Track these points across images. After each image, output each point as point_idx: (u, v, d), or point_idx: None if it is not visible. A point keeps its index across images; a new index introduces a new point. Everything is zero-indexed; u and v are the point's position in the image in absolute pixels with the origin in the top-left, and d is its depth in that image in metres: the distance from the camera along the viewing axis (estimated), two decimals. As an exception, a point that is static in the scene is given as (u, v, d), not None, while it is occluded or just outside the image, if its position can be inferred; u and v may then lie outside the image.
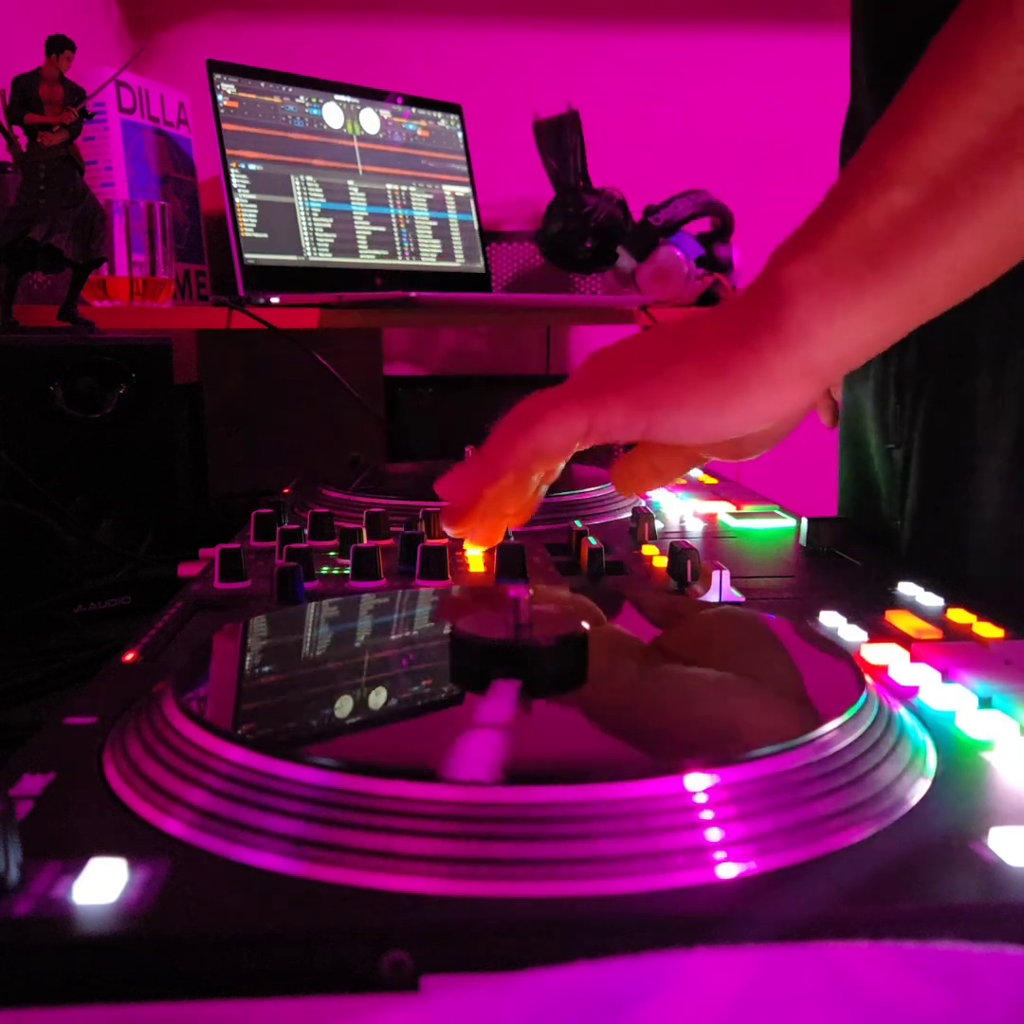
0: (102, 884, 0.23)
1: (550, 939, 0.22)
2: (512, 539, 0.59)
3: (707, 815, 0.25)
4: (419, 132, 1.45)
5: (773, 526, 0.65)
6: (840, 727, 0.28)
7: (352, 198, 1.36)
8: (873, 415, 0.66)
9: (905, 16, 0.59)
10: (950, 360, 0.58)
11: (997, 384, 0.56)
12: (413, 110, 1.45)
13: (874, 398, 0.66)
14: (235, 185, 1.24)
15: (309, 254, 1.30)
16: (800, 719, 0.29)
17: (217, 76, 1.25)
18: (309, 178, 1.32)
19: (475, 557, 0.56)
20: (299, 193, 1.30)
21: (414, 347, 1.80)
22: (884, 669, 0.37)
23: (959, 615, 0.44)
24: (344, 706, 0.32)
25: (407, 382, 1.70)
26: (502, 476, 0.42)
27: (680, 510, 0.70)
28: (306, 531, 0.59)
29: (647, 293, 1.40)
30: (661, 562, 0.55)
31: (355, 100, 1.39)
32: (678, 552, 0.51)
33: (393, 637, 0.41)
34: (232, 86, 1.26)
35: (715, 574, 0.47)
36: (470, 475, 0.43)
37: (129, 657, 0.40)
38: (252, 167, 1.26)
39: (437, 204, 1.45)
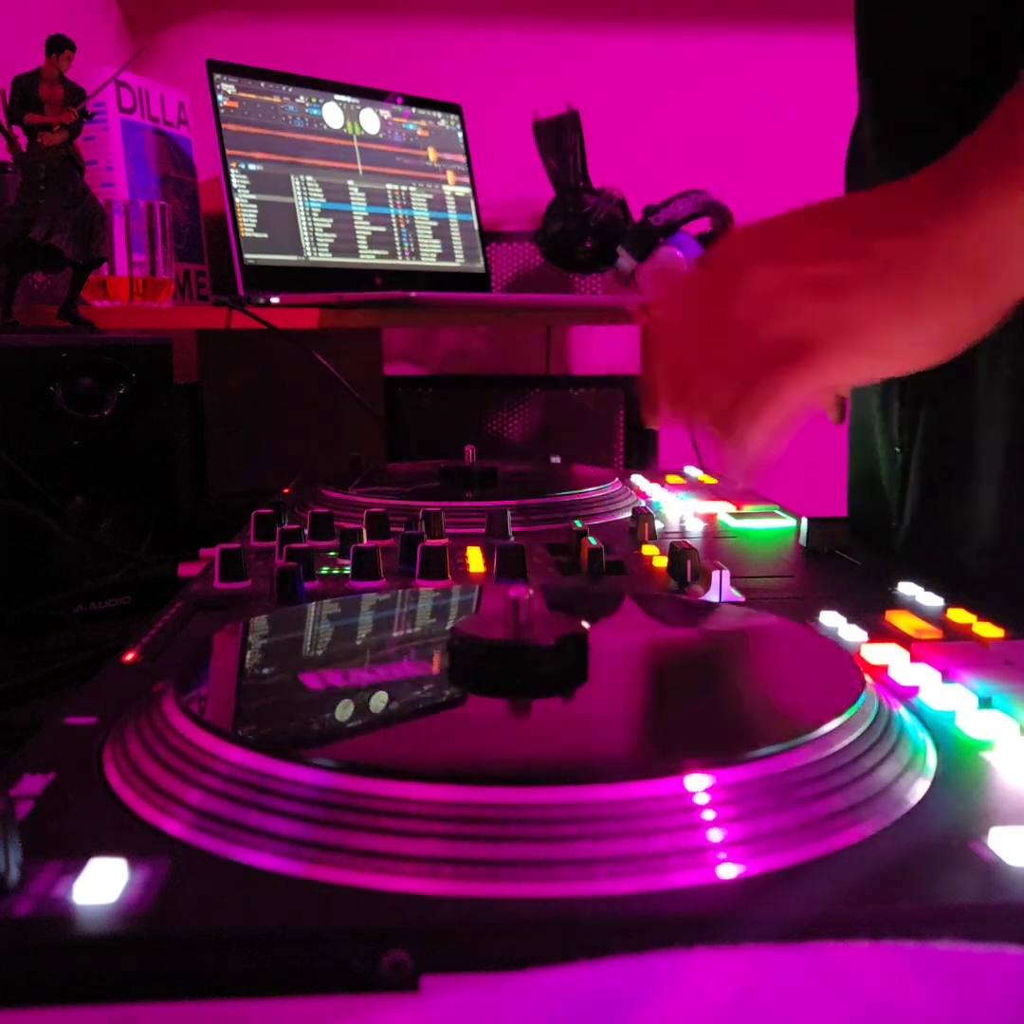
0: (102, 884, 0.23)
1: (550, 939, 0.22)
2: (512, 539, 0.59)
3: (707, 815, 0.25)
4: (419, 132, 1.45)
5: (773, 526, 0.65)
6: (840, 727, 0.28)
7: (352, 198, 1.36)
8: (878, 417, 0.66)
9: (904, 15, 0.59)
10: (947, 367, 0.59)
11: (991, 390, 0.56)
12: (413, 110, 1.45)
13: (880, 401, 0.66)
14: (235, 185, 1.24)
15: (309, 254, 1.30)
16: (800, 719, 0.29)
17: (217, 76, 1.25)
18: (309, 178, 1.32)
19: (475, 558, 0.56)
20: (299, 193, 1.30)
21: (414, 347, 1.80)
22: (884, 669, 0.37)
23: (959, 615, 0.44)
24: (344, 707, 0.32)
25: (407, 382, 1.70)
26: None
27: (680, 510, 0.70)
28: (306, 531, 0.59)
29: (647, 293, 1.40)
30: (661, 562, 0.55)
31: (355, 100, 1.39)
32: (678, 552, 0.51)
33: (393, 637, 0.41)
34: (232, 86, 1.26)
35: (715, 574, 0.47)
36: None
37: (129, 657, 0.40)
38: (252, 167, 1.26)
39: (437, 204, 1.45)
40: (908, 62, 0.60)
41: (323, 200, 1.33)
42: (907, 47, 0.59)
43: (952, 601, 0.46)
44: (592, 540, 0.54)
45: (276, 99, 1.31)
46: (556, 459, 0.90)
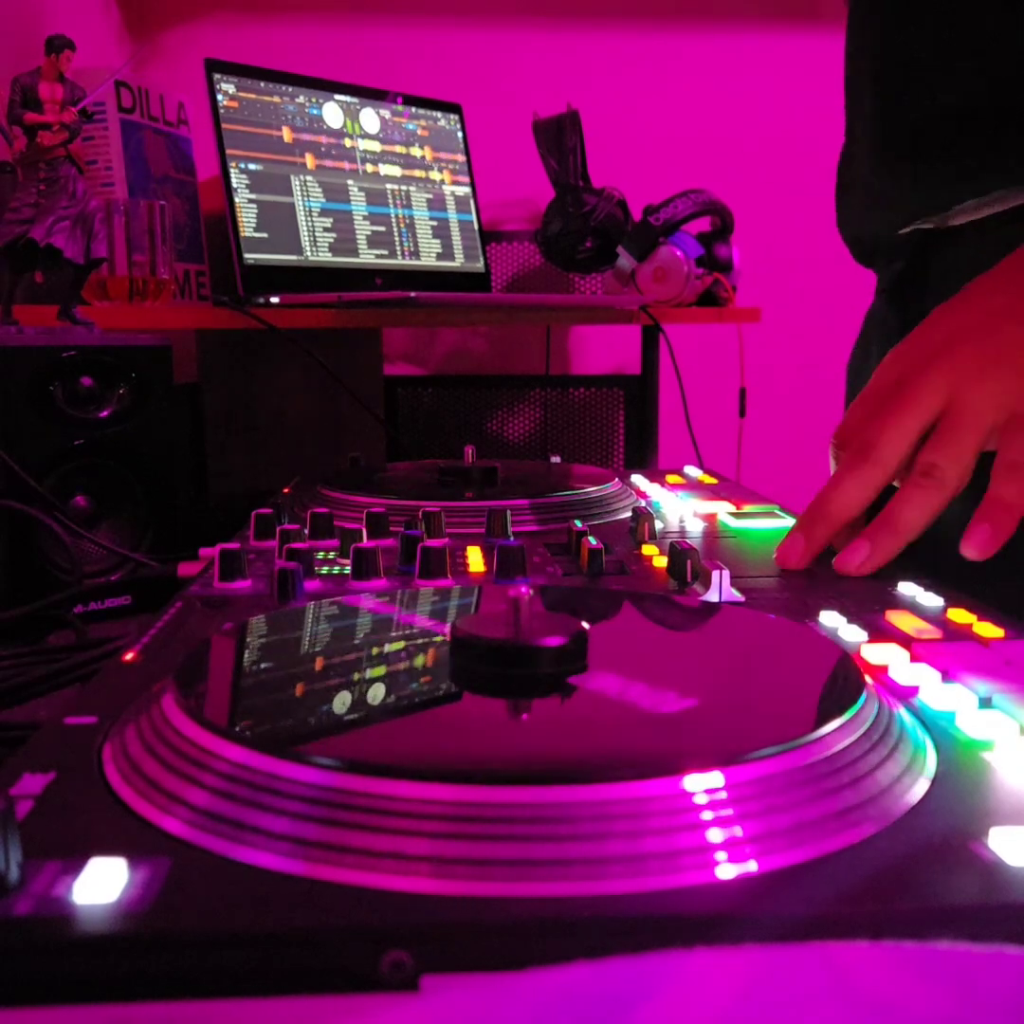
0: (102, 884, 0.23)
1: (550, 939, 0.22)
2: (512, 539, 0.59)
3: (707, 815, 0.25)
4: (419, 132, 1.46)
5: (773, 526, 0.65)
6: (840, 727, 0.28)
7: (352, 198, 1.36)
8: None
9: (931, 35, 0.60)
10: None
11: None
12: (413, 110, 1.45)
13: None
14: (235, 185, 1.24)
15: (309, 254, 1.30)
16: (800, 719, 0.29)
17: (216, 76, 1.25)
18: (309, 178, 1.32)
19: (475, 558, 0.56)
20: (299, 193, 1.30)
21: (414, 347, 1.80)
22: (884, 669, 0.37)
23: (959, 615, 0.44)
24: (344, 705, 0.32)
25: (407, 382, 1.70)
26: None
27: (680, 510, 0.70)
28: (306, 531, 0.59)
29: (647, 293, 1.40)
30: (661, 562, 0.55)
31: (355, 100, 1.39)
32: (678, 552, 0.51)
33: (393, 636, 0.41)
34: (232, 86, 1.26)
35: (715, 574, 0.47)
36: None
37: (129, 657, 0.40)
38: (252, 167, 1.26)
39: (437, 204, 1.45)
40: (930, 93, 0.60)
41: (323, 200, 1.33)
42: (933, 74, 0.60)
43: (952, 601, 0.46)
44: (592, 540, 0.54)
45: (276, 99, 1.31)
46: (556, 459, 0.90)
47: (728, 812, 0.25)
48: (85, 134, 0.83)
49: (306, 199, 1.31)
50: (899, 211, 0.65)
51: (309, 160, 1.32)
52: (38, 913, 0.22)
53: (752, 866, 0.24)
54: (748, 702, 0.32)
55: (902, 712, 0.32)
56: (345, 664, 0.37)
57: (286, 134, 1.31)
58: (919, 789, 0.28)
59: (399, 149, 1.43)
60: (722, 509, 0.70)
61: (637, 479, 0.83)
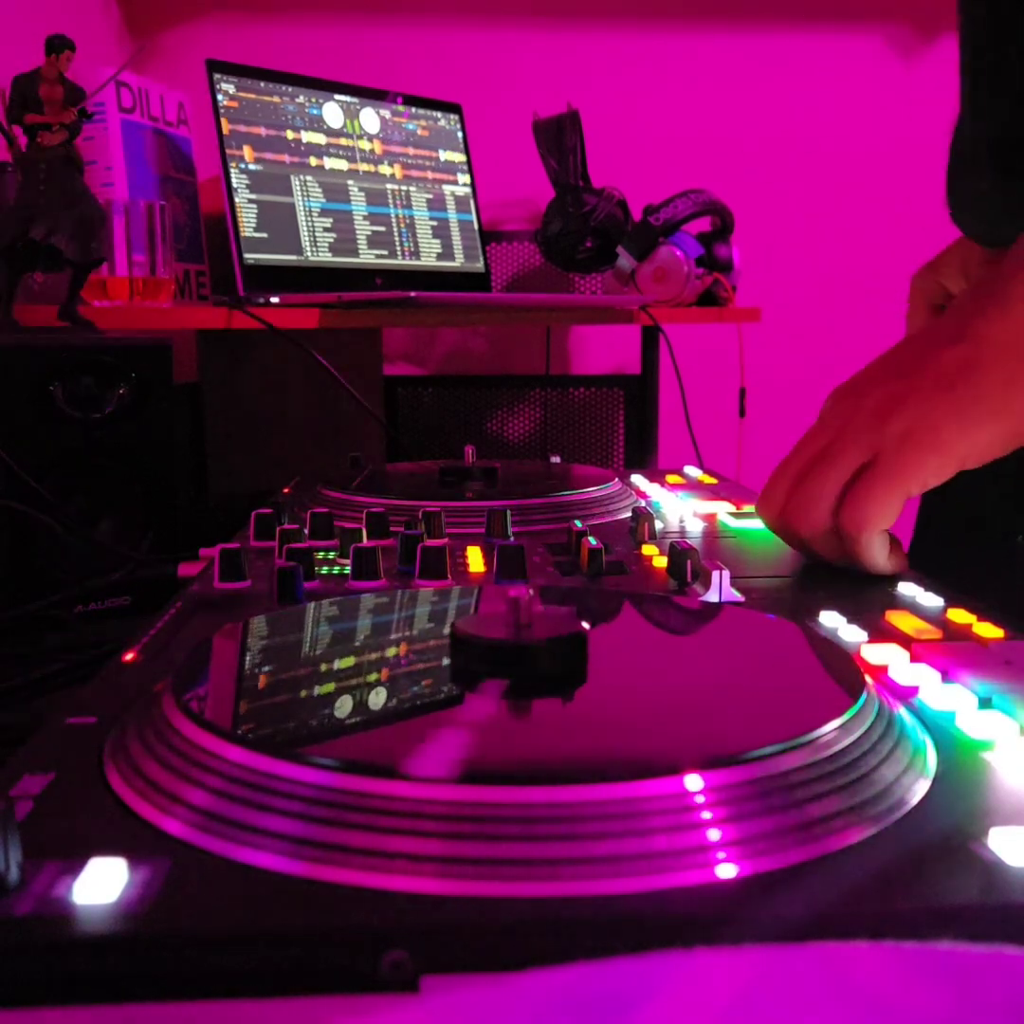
0: (102, 884, 0.23)
1: (550, 939, 0.22)
2: (512, 539, 0.59)
3: (706, 815, 0.25)
4: (419, 132, 1.46)
5: (773, 526, 0.65)
6: (840, 727, 0.28)
7: (352, 198, 1.36)
8: None
9: None
10: None
11: None
12: (413, 110, 1.45)
13: None
14: (235, 185, 1.24)
15: (309, 254, 1.30)
16: (800, 719, 0.29)
17: (217, 76, 1.25)
18: (309, 178, 1.32)
19: (475, 558, 0.56)
20: (299, 193, 1.30)
21: (414, 347, 1.80)
22: (884, 669, 0.37)
23: (959, 615, 0.44)
24: (344, 706, 0.32)
25: (407, 382, 1.70)
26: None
27: (680, 510, 0.70)
28: (306, 531, 0.59)
29: (647, 293, 1.40)
30: (661, 562, 0.55)
31: (355, 100, 1.39)
32: (678, 552, 0.51)
33: (393, 637, 0.41)
34: (232, 86, 1.26)
35: (715, 574, 0.47)
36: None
37: (129, 657, 0.40)
38: (252, 167, 1.26)
39: (437, 204, 1.45)
40: None
41: (323, 200, 1.33)
42: None
43: (952, 601, 0.46)
44: (592, 540, 0.54)
45: (276, 99, 1.31)
46: (556, 459, 0.90)
47: (728, 812, 0.25)
48: (85, 134, 0.83)
49: (306, 199, 1.31)
50: (981, 218, 0.64)
51: (309, 160, 1.32)
52: (38, 913, 0.22)
53: (752, 866, 0.24)
54: (748, 702, 0.32)
55: (902, 712, 0.32)
56: (345, 665, 0.37)
57: (286, 134, 1.31)
58: (919, 789, 0.28)
59: (399, 149, 1.43)
60: (722, 509, 0.70)
61: (637, 479, 0.83)
